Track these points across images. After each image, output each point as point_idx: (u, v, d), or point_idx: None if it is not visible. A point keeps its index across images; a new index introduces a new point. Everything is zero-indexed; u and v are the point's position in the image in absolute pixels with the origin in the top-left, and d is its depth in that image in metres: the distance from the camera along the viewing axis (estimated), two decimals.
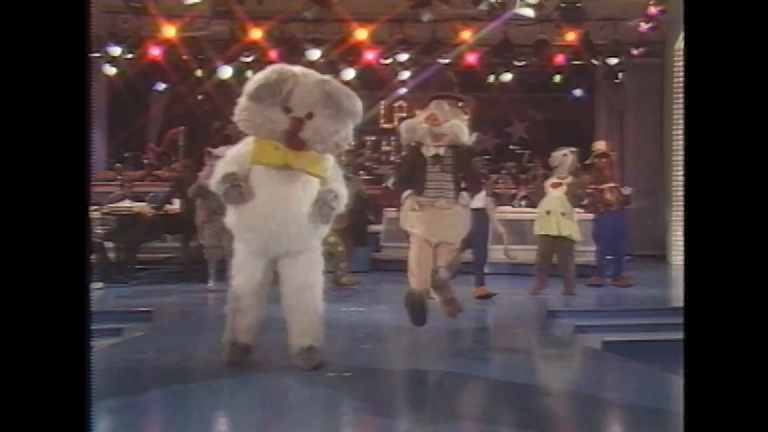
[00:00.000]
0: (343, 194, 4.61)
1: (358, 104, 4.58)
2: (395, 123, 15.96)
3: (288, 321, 4.64)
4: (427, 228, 5.69)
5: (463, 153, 5.83)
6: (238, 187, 4.43)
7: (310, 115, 4.46)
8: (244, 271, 4.64)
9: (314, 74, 4.64)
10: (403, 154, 6.04)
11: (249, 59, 13.14)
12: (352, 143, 7.21)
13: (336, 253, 8.32)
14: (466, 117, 5.89)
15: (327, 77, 4.67)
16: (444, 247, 5.73)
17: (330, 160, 4.72)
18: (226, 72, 13.46)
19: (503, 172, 14.11)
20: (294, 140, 4.43)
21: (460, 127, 5.68)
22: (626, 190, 9.55)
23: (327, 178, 4.60)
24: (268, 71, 4.51)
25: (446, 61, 13.19)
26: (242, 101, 4.52)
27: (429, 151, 5.71)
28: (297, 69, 4.61)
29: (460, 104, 5.93)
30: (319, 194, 4.52)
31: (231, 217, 4.63)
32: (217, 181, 4.49)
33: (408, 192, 5.76)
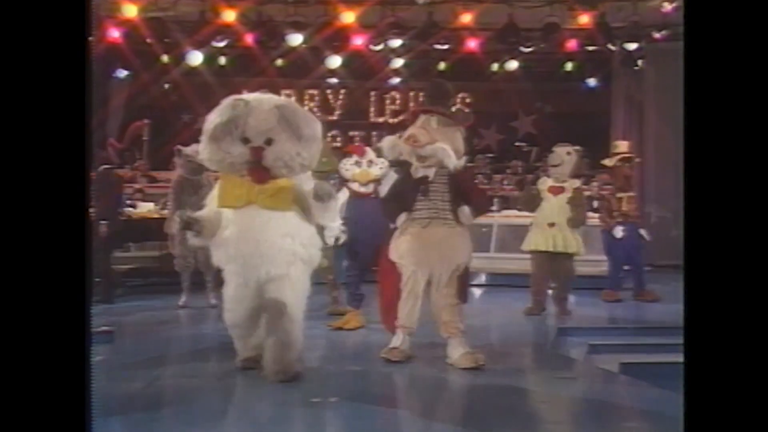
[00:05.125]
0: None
1: (317, 127, 5.11)
2: (386, 116, 16.05)
3: (266, 343, 5.07)
4: (415, 258, 5.59)
5: (459, 174, 5.64)
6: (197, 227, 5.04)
7: (269, 141, 4.91)
8: (235, 302, 5.15)
9: (270, 99, 5.09)
10: (392, 171, 6.05)
11: (221, 44, 13.15)
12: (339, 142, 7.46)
13: (327, 281, 7.83)
14: (463, 129, 5.78)
15: (283, 100, 5.23)
16: (443, 281, 5.59)
17: (303, 184, 5.12)
18: (195, 58, 13.41)
19: (508, 171, 14.15)
20: (257, 170, 4.93)
21: (444, 152, 5.51)
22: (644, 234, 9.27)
23: (304, 205, 5.07)
24: (222, 108, 4.99)
25: (444, 47, 13.21)
26: (203, 141, 5.04)
27: (417, 173, 5.64)
28: (251, 96, 5.06)
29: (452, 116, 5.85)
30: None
31: (214, 254, 5.18)
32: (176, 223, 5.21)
33: (401, 218, 5.69)
